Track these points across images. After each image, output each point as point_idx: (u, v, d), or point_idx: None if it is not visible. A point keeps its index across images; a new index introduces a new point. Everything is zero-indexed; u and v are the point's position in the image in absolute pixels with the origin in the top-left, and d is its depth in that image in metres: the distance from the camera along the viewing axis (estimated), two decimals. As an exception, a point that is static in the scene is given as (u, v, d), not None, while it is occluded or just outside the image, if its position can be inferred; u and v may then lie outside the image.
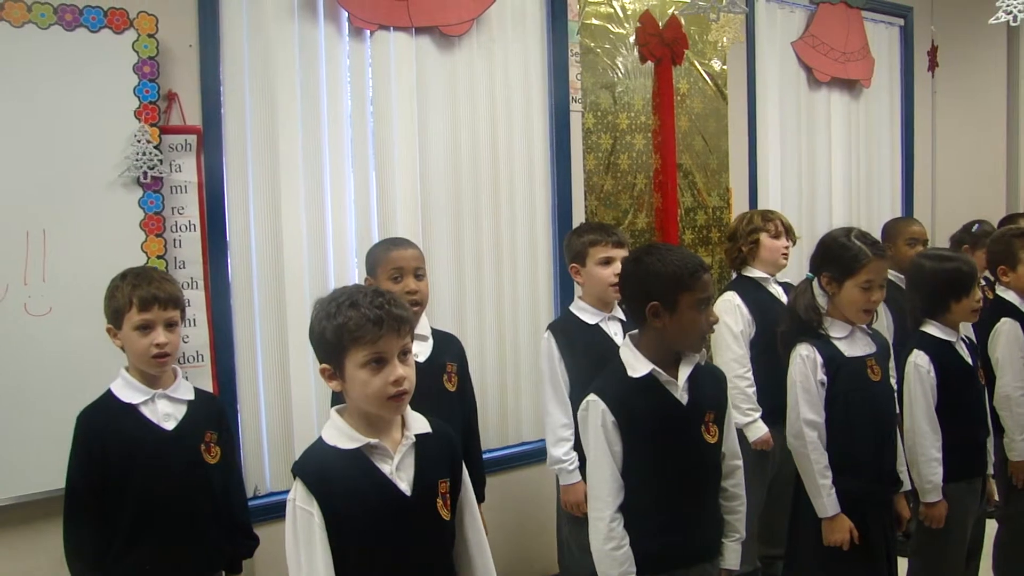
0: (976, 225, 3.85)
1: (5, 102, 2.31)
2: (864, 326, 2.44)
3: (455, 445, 1.75)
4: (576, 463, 2.57)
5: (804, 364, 2.37)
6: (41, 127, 2.35)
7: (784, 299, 3.09)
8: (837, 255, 2.39)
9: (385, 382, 1.56)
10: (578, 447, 2.53)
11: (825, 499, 2.32)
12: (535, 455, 3.25)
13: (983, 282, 2.98)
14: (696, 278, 1.91)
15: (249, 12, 2.71)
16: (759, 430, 2.96)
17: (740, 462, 2.13)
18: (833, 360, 2.36)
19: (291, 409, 2.80)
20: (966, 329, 2.78)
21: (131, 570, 2.00)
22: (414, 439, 1.64)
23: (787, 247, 3.16)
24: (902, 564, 2.53)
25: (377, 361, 1.56)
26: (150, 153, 2.47)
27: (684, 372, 1.97)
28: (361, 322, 1.54)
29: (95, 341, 2.17)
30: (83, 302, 2.29)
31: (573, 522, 2.61)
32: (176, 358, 2.12)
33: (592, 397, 1.97)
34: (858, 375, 2.37)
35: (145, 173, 2.47)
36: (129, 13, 2.44)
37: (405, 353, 1.60)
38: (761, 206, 3.91)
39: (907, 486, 2.50)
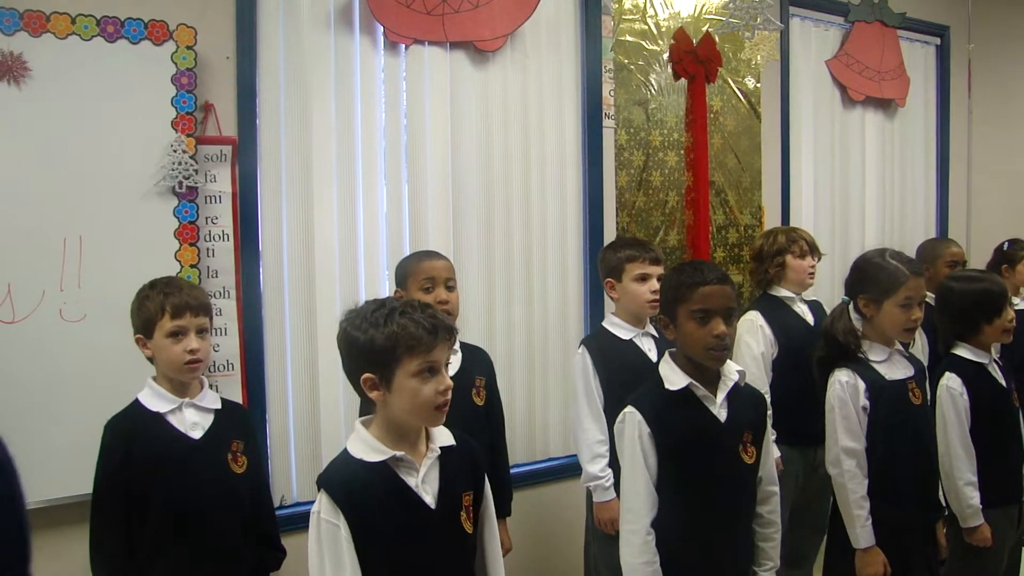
0: (1007, 244, 3.80)
1: (47, 110, 2.35)
2: (901, 347, 2.40)
3: (478, 457, 1.75)
4: (612, 480, 2.54)
5: (844, 390, 2.33)
6: (80, 135, 2.39)
7: (810, 318, 3.05)
8: (873, 276, 2.36)
9: (435, 391, 1.57)
10: (613, 464, 2.51)
11: (859, 530, 2.27)
12: (562, 471, 3.23)
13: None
14: (691, 290, 1.92)
15: (286, 25, 2.74)
16: None
17: (776, 488, 2.09)
18: (875, 384, 2.32)
19: (319, 419, 2.80)
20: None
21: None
22: (439, 452, 1.64)
23: (813, 266, 3.12)
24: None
25: (430, 370, 1.57)
26: (186, 163, 2.49)
27: (723, 389, 1.96)
28: (417, 331, 1.56)
29: (128, 348, 2.19)
30: (117, 309, 2.30)
31: (603, 541, 2.58)
32: (207, 365, 2.13)
33: (629, 409, 1.97)
34: (900, 399, 2.33)
35: (180, 183, 2.49)
36: (169, 25, 2.47)
37: (446, 364, 1.63)
38: (793, 224, 3.86)
39: (946, 511, 2.45)
